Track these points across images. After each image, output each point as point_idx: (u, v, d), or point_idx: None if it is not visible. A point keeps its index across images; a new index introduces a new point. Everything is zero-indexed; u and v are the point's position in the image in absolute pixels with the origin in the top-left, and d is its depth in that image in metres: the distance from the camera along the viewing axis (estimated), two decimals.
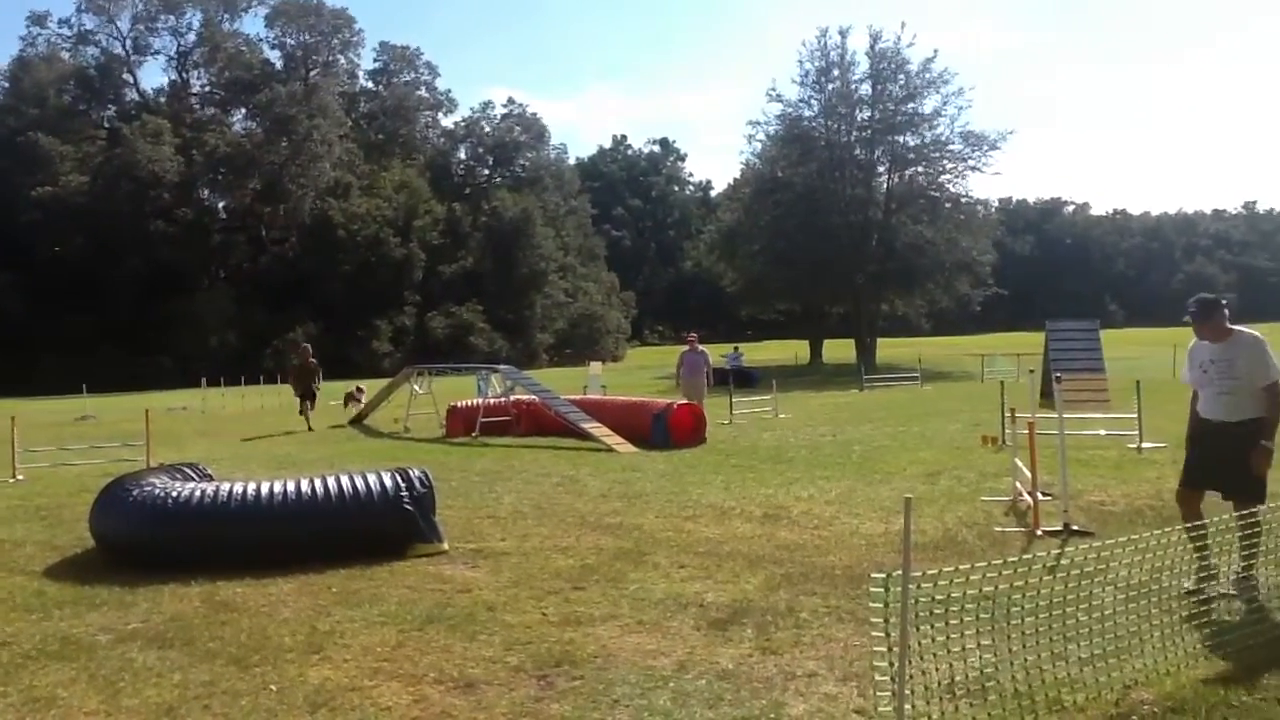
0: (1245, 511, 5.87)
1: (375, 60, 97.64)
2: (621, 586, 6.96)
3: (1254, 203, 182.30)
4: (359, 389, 28.62)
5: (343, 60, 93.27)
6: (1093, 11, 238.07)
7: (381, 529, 8.05)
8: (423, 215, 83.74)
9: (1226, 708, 4.51)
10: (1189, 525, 6.20)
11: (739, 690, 4.89)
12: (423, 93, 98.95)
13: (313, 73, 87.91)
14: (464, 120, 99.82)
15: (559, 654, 5.50)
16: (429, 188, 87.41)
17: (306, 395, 22.28)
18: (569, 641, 5.72)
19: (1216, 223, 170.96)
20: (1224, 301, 6.52)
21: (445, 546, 8.22)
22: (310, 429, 21.11)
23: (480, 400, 19.71)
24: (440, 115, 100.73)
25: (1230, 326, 6.42)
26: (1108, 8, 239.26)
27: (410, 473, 8.49)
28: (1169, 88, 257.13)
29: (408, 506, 8.13)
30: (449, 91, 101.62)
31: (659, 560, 7.74)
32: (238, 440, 19.64)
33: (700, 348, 20.14)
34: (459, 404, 19.68)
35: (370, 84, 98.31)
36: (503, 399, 19.74)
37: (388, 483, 8.28)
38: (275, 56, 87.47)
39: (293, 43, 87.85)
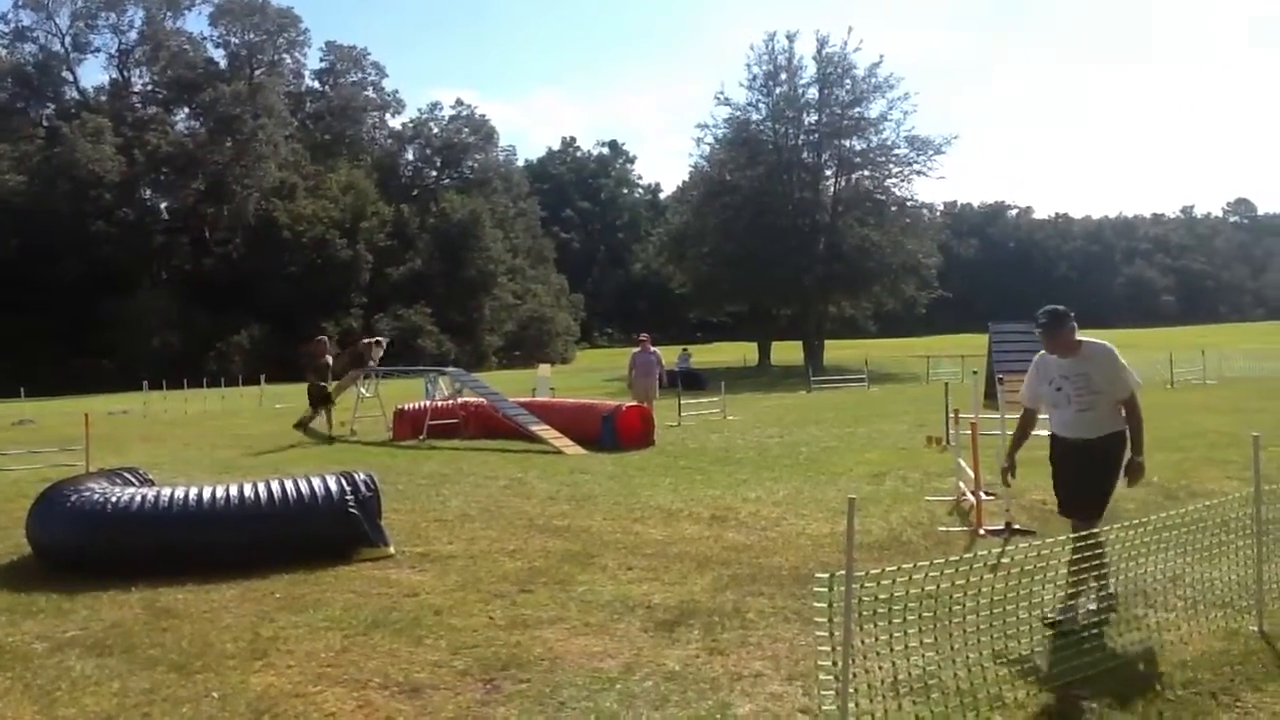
0: (1084, 533, 5.55)
1: (321, 60, 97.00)
2: (569, 589, 6.95)
3: (1191, 207, 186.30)
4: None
5: (288, 60, 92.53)
6: (1033, 17, 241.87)
7: (326, 533, 7.96)
8: (370, 217, 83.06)
9: (1163, 702, 4.60)
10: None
11: (685, 691, 4.91)
12: (370, 93, 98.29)
13: (257, 72, 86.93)
14: (412, 121, 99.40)
15: (506, 657, 5.48)
16: (376, 189, 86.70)
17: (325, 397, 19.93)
18: (516, 644, 5.70)
19: (1155, 226, 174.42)
20: (1072, 314, 6.08)
21: (391, 550, 8.15)
22: (331, 438, 18.91)
23: (428, 403, 19.58)
24: (388, 116, 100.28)
25: (1079, 338, 6.05)
26: (1047, 13, 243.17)
27: (356, 476, 8.41)
28: (1109, 92, 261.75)
29: (353, 510, 8.05)
30: (396, 92, 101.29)
31: (607, 562, 7.74)
32: (181, 444, 19.34)
33: (652, 349, 20.13)
34: (406, 407, 19.53)
35: (316, 84, 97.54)
36: (450, 401, 19.62)
37: (333, 486, 8.20)
38: (219, 55, 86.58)
39: (237, 42, 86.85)
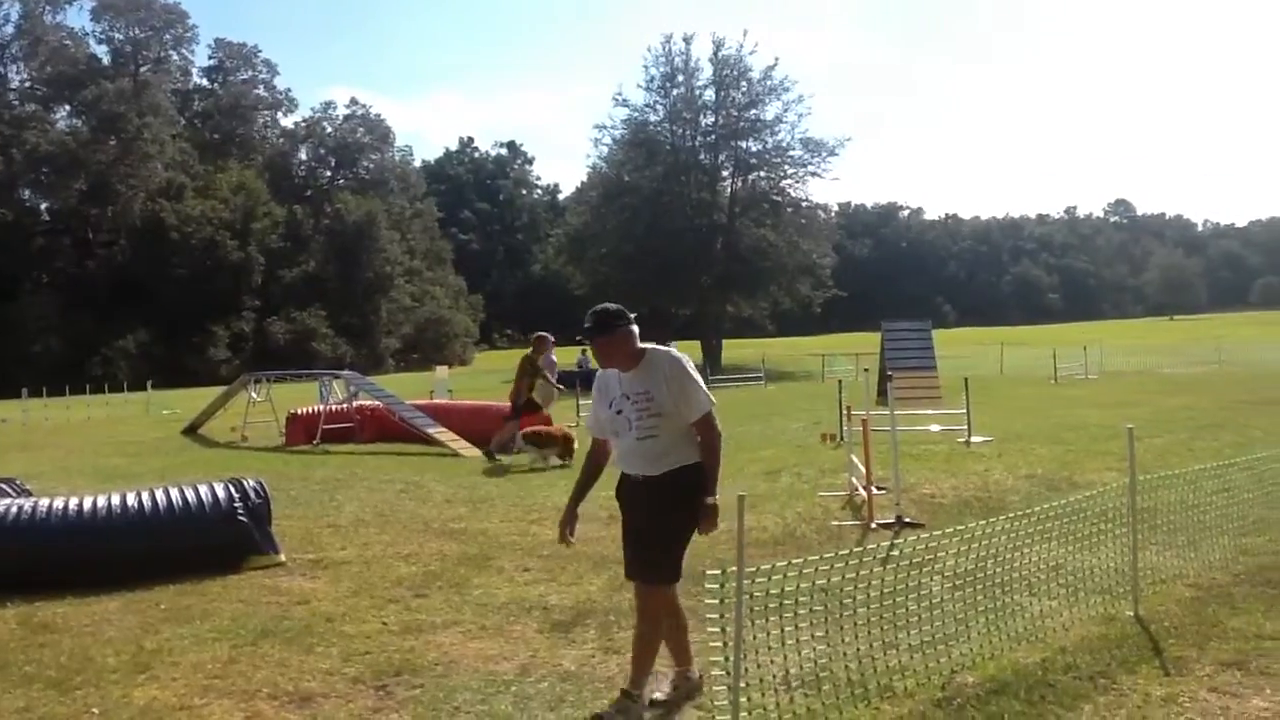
0: (649, 601, 4.65)
1: (210, 57, 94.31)
2: (465, 592, 6.90)
3: (1074, 208, 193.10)
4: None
5: (175, 57, 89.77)
6: (922, 20, 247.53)
7: (214, 542, 7.75)
8: (261, 218, 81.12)
9: (1045, 687, 4.73)
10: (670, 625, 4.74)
11: (581, 691, 4.91)
12: (261, 91, 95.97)
13: (143, 69, 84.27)
14: (305, 121, 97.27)
15: (399, 663, 5.41)
16: (268, 189, 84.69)
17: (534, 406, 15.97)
18: (409, 650, 5.63)
19: (1040, 227, 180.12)
20: (633, 315, 4.75)
21: (282, 558, 7.99)
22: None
23: (321, 407, 19.24)
24: (279, 115, 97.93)
25: (641, 346, 4.69)
26: (936, 17, 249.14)
27: (245, 483, 8.23)
28: (994, 96, 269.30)
29: (242, 518, 7.87)
30: (289, 91, 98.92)
31: (503, 564, 7.70)
32: (63, 453, 18.67)
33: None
34: (299, 411, 19.17)
35: (205, 82, 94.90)
36: (345, 405, 19.31)
37: (221, 494, 8.01)
38: (102, 51, 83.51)
39: (121, 37, 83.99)
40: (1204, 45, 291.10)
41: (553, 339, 16.11)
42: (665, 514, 4.56)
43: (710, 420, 4.60)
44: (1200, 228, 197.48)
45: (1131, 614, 5.78)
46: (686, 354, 4.72)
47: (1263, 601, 6.00)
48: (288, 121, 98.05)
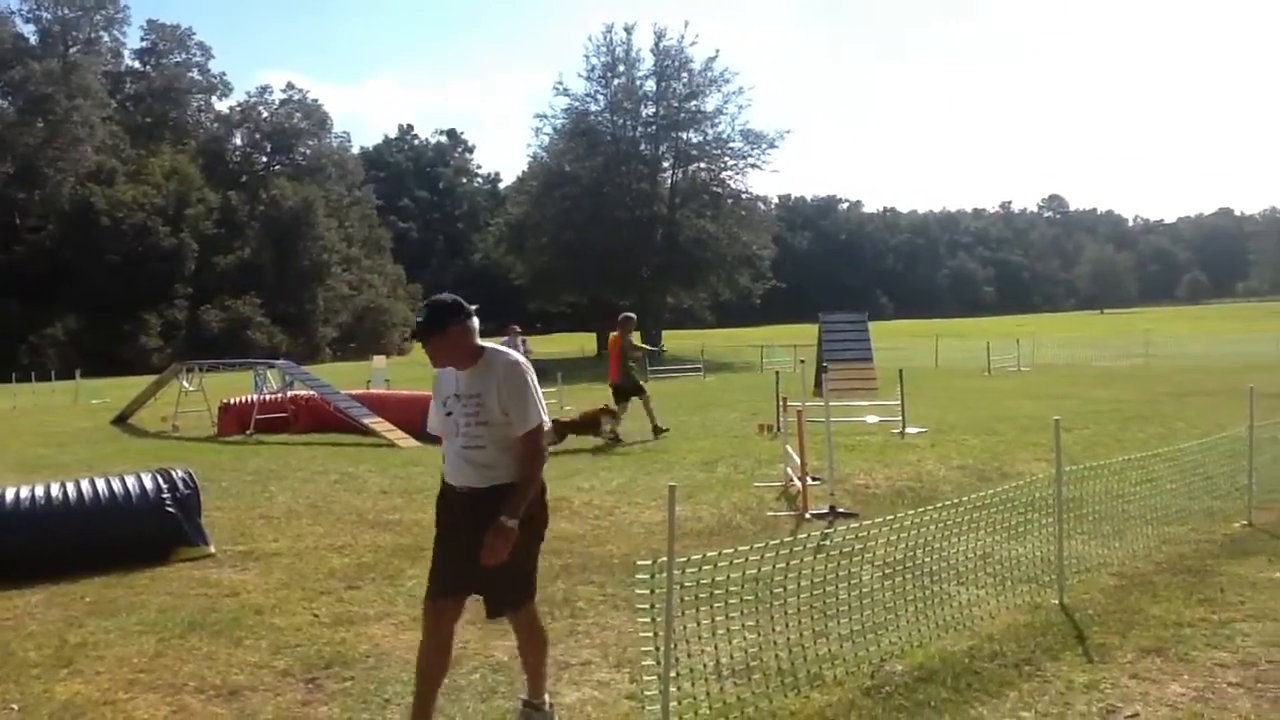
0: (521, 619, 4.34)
1: (142, 39, 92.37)
2: (398, 584, 6.85)
3: (1009, 203, 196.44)
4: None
5: (106, 38, 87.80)
6: (861, 15, 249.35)
7: (142, 533, 7.62)
8: (195, 204, 79.72)
9: (971, 675, 4.81)
10: (424, 667, 4.28)
11: (513, 682, 4.89)
12: (195, 75, 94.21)
13: (72, 50, 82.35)
14: (240, 105, 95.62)
15: (330, 655, 5.37)
16: (202, 175, 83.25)
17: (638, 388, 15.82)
18: (340, 642, 5.58)
19: (976, 221, 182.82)
20: (473, 307, 4.23)
21: (212, 549, 7.87)
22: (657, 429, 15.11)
23: (255, 396, 18.97)
24: (214, 99, 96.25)
25: (481, 344, 4.20)
26: (873, 12, 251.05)
27: (173, 473, 8.09)
28: (932, 91, 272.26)
29: (170, 509, 7.74)
30: (223, 74, 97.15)
31: None
32: None
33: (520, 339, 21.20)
34: (232, 401, 18.88)
35: (137, 64, 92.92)
36: (280, 395, 19.06)
37: (149, 484, 7.87)
38: (30, 31, 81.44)
39: (50, 17, 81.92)
40: (1136, 46, 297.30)
41: (632, 316, 16.41)
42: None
43: (536, 437, 4.13)
44: (1131, 223, 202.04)
45: (1057, 602, 5.89)
46: (527, 361, 4.26)
47: (1183, 589, 6.14)
48: (222, 106, 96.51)
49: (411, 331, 4.27)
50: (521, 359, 4.21)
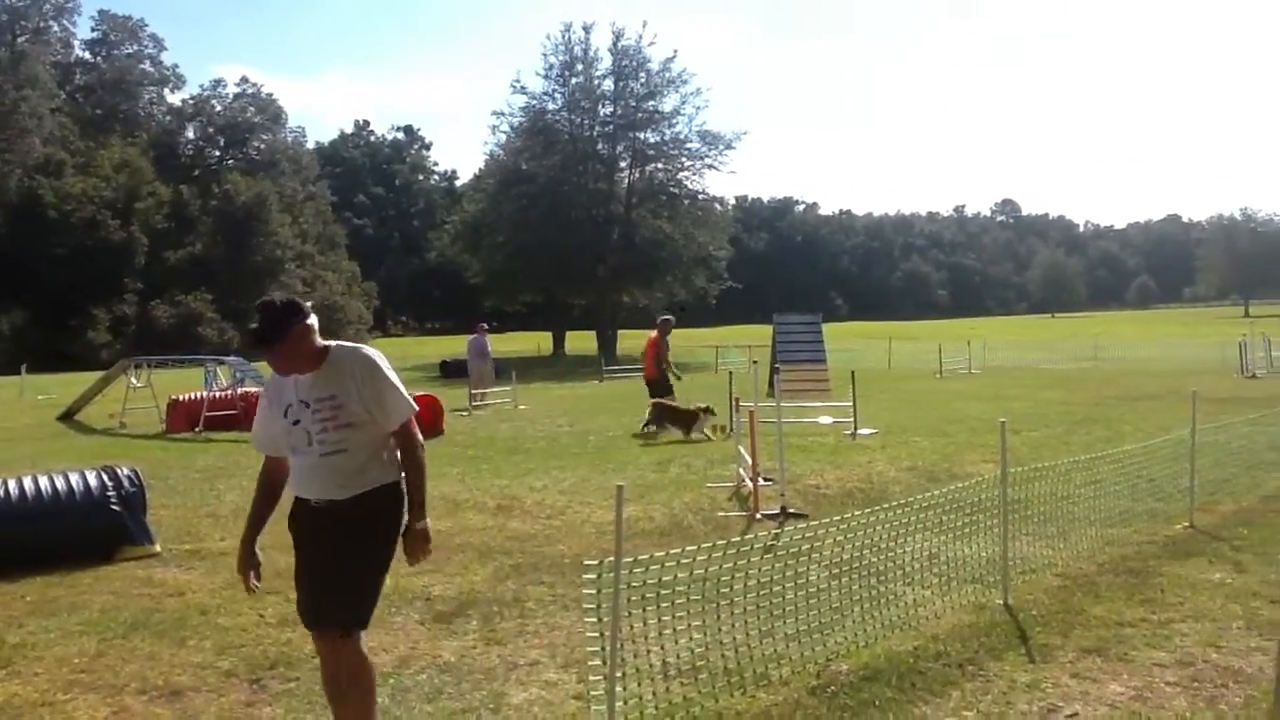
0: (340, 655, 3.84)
1: (93, 30, 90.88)
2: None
3: (963, 206, 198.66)
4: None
5: (55, 28, 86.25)
6: (817, 16, 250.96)
7: (86, 532, 7.52)
8: (146, 197, 78.52)
9: (916, 675, 4.86)
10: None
11: (460, 682, 4.88)
12: (146, 67, 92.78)
13: (20, 39, 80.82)
14: (192, 98, 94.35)
15: (275, 656, 5.32)
16: (153, 168, 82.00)
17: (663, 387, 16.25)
18: (286, 643, 5.53)
19: (931, 224, 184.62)
20: (308, 305, 3.85)
21: (157, 548, 7.78)
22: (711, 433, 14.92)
23: (205, 393, 18.75)
24: (166, 92, 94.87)
25: (324, 343, 3.83)
26: (831, 16, 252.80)
27: (118, 471, 7.98)
28: (891, 95, 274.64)
29: (115, 507, 7.64)
30: (176, 67, 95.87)
31: None
32: None
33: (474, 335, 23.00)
34: (181, 398, 18.65)
35: (87, 55, 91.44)
36: (230, 392, 18.85)
37: (93, 482, 7.77)
38: None
39: None
40: (1087, 55, 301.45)
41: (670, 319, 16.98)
42: (357, 546, 3.76)
43: (411, 429, 3.85)
44: (1081, 229, 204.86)
45: (1001, 603, 5.96)
46: (379, 351, 3.95)
47: (1124, 590, 6.24)
48: (175, 99, 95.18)
49: (249, 340, 3.80)
50: (372, 351, 3.88)
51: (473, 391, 21.60)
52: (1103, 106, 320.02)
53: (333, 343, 3.86)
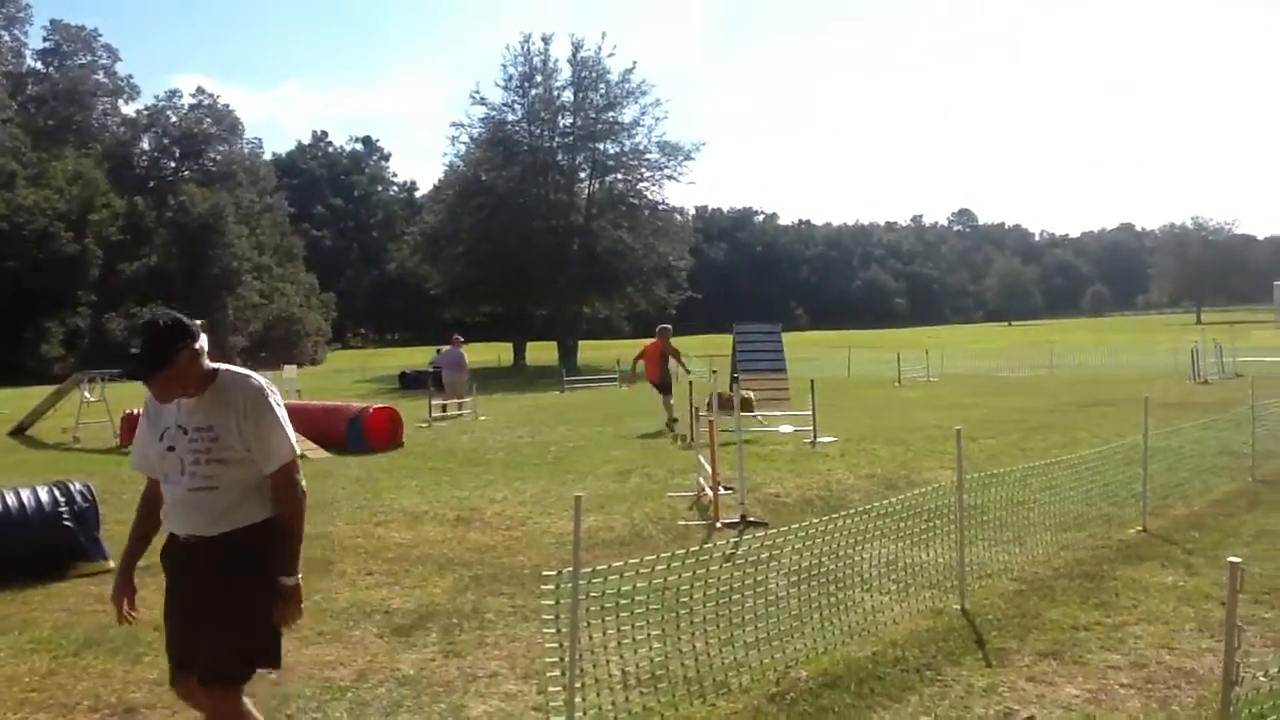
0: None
1: (45, 40, 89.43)
2: (304, 597, 6.71)
3: (921, 216, 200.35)
4: None
5: (6, 37, 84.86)
6: (773, 27, 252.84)
7: (37, 548, 7.40)
8: (100, 209, 77.50)
9: (874, 680, 4.89)
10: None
11: (419, 695, 4.86)
12: (100, 77, 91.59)
13: None
14: (147, 109, 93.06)
15: None
16: (107, 180, 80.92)
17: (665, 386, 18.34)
18: None
19: (889, 234, 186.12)
20: (197, 325, 3.54)
21: (111, 564, 7.65)
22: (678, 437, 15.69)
23: None
24: (120, 102, 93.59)
25: (212, 366, 3.53)
26: (788, 24, 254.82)
27: (71, 486, 7.87)
28: (849, 106, 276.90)
29: (67, 523, 7.54)
30: (130, 77, 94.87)
31: (345, 568, 7.55)
32: None
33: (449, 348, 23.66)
34: (135, 411, 18.38)
35: (39, 65, 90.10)
36: None
37: (44, 497, 7.65)
38: None
39: None
40: (1041, 66, 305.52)
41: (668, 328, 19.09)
42: (226, 589, 3.46)
43: (291, 473, 3.53)
44: (1037, 238, 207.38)
45: (958, 608, 6.01)
46: (270, 381, 3.63)
47: (1079, 594, 6.31)
48: (129, 109, 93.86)
49: (128, 368, 3.46)
50: (265, 381, 3.56)
51: (446, 403, 21.90)
52: (1058, 117, 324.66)
53: (222, 366, 3.56)
